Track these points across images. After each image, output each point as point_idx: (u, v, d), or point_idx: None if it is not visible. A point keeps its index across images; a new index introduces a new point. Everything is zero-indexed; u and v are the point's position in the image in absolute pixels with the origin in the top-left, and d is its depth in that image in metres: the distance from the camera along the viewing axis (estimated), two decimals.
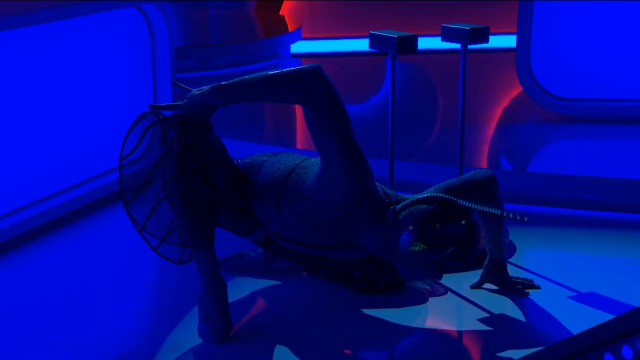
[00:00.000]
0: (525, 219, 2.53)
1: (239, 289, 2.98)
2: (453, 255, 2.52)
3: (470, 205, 2.52)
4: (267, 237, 2.90)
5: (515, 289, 2.95)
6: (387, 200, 2.65)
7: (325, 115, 2.54)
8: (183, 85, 2.78)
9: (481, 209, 2.51)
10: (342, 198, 2.57)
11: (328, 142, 2.55)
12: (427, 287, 2.98)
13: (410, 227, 2.54)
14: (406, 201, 2.63)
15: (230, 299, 2.68)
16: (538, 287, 2.98)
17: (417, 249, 2.52)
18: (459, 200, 2.53)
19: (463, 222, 2.52)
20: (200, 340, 2.66)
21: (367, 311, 2.85)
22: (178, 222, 2.67)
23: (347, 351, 2.64)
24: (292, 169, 2.72)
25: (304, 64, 2.65)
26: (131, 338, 2.78)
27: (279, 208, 2.71)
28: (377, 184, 2.70)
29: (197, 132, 2.57)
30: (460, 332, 2.78)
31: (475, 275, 3.04)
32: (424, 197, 2.58)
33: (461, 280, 3.03)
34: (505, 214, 2.56)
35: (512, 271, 3.16)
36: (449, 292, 2.96)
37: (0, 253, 3.31)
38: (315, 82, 2.54)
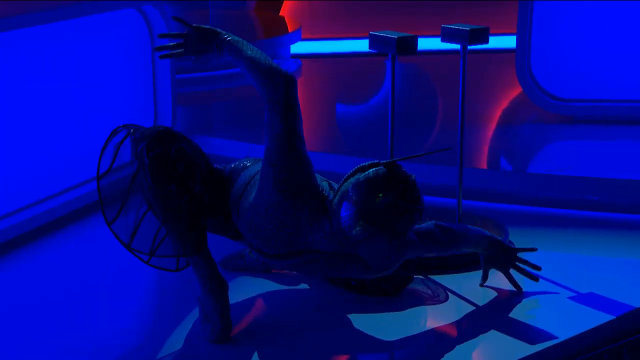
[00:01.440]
0: (450, 148, 2.65)
1: (240, 289, 2.98)
2: (396, 212, 2.41)
3: (391, 160, 2.50)
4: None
5: (520, 272, 2.96)
6: (329, 196, 2.57)
7: (275, 117, 2.56)
8: (184, 21, 2.75)
9: (402, 159, 2.51)
10: (273, 197, 2.52)
11: (269, 141, 2.55)
12: (429, 292, 2.98)
13: (344, 205, 2.45)
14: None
15: (231, 299, 2.68)
16: (537, 279, 2.97)
17: (359, 222, 2.42)
18: (376, 161, 2.49)
19: (381, 170, 2.45)
20: (200, 341, 2.66)
21: (366, 314, 2.84)
22: (165, 233, 2.67)
23: (345, 356, 2.64)
24: (252, 176, 2.70)
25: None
26: (131, 338, 2.78)
27: (239, 217, 2.68)
28: (327, 182, 2.65)
29: (165, 143, 2.58)
30: (459, 334, 2.77)
31: (476, 276, 3.04)
32: (347, 175, 2.53)
33: (461, 282, 3.03)
34: (426, 152, 2.62)
35: (511, 273, 3.15)
36: (449, 295, 2.95)
37: (1, 253, 3.31)
38: (280, 86, 2.58)
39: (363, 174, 2.46)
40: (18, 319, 2.85)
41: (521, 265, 2.97)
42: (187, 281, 2.82)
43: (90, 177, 3.81)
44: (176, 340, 2.68)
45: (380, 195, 2.42)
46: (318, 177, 2.64)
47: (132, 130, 2.66)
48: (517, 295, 2.95)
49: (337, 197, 2.50)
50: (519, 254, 2.98)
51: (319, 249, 2.59)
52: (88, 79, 3.84)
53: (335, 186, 2.62)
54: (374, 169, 2.46)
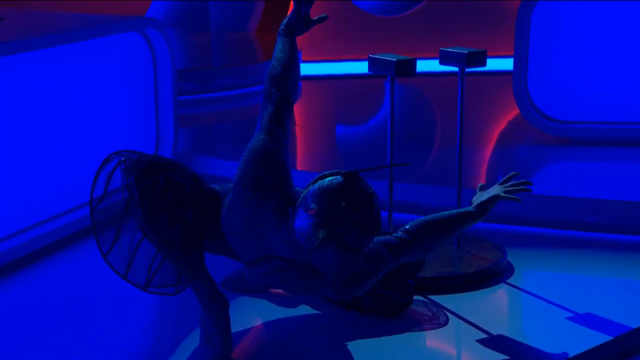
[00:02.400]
0: (411, 163, 2.63)
1: (240, 309, 2.97)
2: (346, 224, 2.34)
3: (349, 171, 2.43)
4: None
5: (510, 194, 2.73)
6: (293, 202, 2.53)
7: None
8: None
9: (358, 170, 2.44)
10: (241, 193, 2.53)
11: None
12: (429, 313, 2.96)
13: (299, 211, 2.41)
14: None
15: (232, 319, 2.67)
16: (530, 185, 2.78)
17: (311, 230, 2.36)
18: (338, 170, 2.43)
19: (336, 180, 2.39)
20: None
21: (365, 338, 2.83)
22: (161, 260, 2.66)
23: None
24: None
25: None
26: (133, 359, 2.77)
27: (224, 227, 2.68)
28: (298, 189, 2.61)
29: (153, 174, 2.58)
30: (459, 352, 2.77)
31: (478, 295, 3.03)
32: (310, 182, 2.47)
33: (461, 303, 3.02)
34: (384, 165, 2.66)
35: (510, 293, 3.16)
36: (448, 317, 2.94)
37: (4, 274, 3.30)
38: (266, 82, 2.77)
39: (318, 183, 2.42)
40: (20, 341, 2.84)
41: (511, 191, 2.74)
42: (188, 301, 2.82)
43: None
44: None
45: (332, 205, 2.36)
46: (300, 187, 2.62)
47: (123, 159, 2.64)
48: (516, 315, 2.95)
49: (297, 203, 2.47)
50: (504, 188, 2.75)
51: (282, 255, 2.52)
52: (92, 100, 3.85)
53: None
54: (330, 178, 2.41)
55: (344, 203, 2.36)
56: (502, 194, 2.71)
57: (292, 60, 2.84)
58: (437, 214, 2.68)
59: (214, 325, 2.63)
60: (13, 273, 3.34)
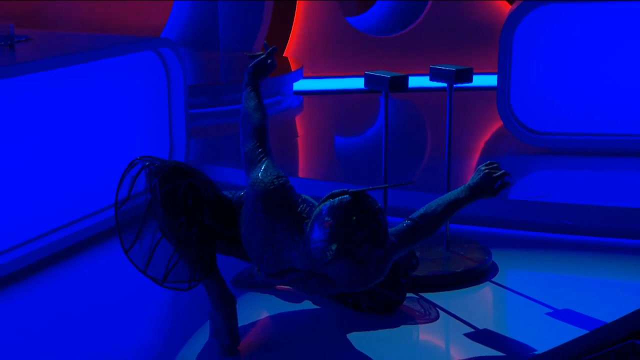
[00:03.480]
0: (412, 182, 2.77)
1: (248, 305, 2.97)
2: (355, 240, 2.35)
3: (354, 190, 2.43)
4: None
5: (498, 186, 2.76)
6: (305, 217, 2.54)
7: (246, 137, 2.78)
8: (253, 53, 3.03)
9: (365, 189, 2.44)
10: (253, 216, 2.55)
11: (243, 161, 2.75)
12: (422, 310, 2.96)
13: (314, 227, 2.41)
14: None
15: (239, 314, 2.67)
16: (508, 176, 2.80)
17: (325, 246, 2.36)
18: (346, 190, 2.43)
19: (345, 199, 2.39)
20: (210, 355, 2.64)
21: (362, 331, 2.83)
22: (177, 259, 2.66)
23: None
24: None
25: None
26: (146, 352, 2.76)
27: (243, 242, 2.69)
28: (306, 199, 2.61)
29: (176, 179, 2.59)
30: (447, 350, 2.76)
31: (465, 293, 3.03)
32: (321, 200, 2.48)
33: (450, 300, 3.02)
34: (390, 185, 2.64)
35: (495, 291, 3.15)
36: (439, 313, 2.94)
37: (28, 274, 3.30)
38: (242, 125, 2.83)
39: (329, 201, 2.42)
40: (42, 330, 2.84)
41: (499, 182, 2.77)
42: (198, 298, 2.82)
43: (110, 204, 3.82)
44: (187, 354, 2.67)
45: (342, 222, 2.37)
46: (301, 198, 2.61)
47: (147, 163, 2.66)
48: (500, 311, 2.94)
49: (310, 220, 2.48)
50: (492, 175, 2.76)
51: (299, 268, 2.54)
52: (112, 112, 3.85)
53: (314, 204, 2.59)
54: (340, 197, 2.41)
55: (353, 219, 2.37)
56: (493, 174, 2.74)
57: (260, 105, 2.89)
58: (438, 200, 2.71)
59: (222, 320, 2.63)
60: (42, 271, 3.34)
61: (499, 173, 2.75)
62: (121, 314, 2.99)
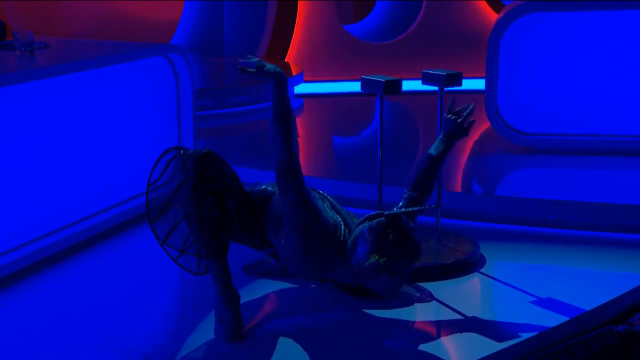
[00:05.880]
0: (439, 205, 2.90)
1: (258, 290, 2.97)
2: (397, 256, 2.55)
3: (393, 211, 2.65)
4: (275, 253, 2.90)
5: (463, 128, 2.95)
6: (347, 236, 2.70)
7: (287, 184, 2.66)
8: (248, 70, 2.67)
9: (400, 211, 2.65)
10: (300, 253, 2.67)
11: (287, 209, 2.69)
12: (417, 294, 2.98)
13: (359, 245, 2.60)
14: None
15: (248, 300, 2.66)
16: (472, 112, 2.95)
17: (370, 261, 2.56)
18: (382, 212, 2.63)
19: (382, 221, 2.58)
20: (216, 340, 2.65)
21: (365, 310, 2.84)
22: (194, 238, 2.68)
23: (344, 348, 2.63)
24: (280, 216, 2.75)
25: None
26: (157, 337, 2.77)
27: (277, 239, 2.75)
28: (346, 214, 2.78)
29: (208, 163, 2.62)
30: (439, 330, 2.77)
31: (455, 283, 3.04)
32: (359, 221, 2.67)
33: (440, 290, 3.03)
34: (424, 207, 2.77)
35: (483, 281, 3.16)
36: (433, 300, 2.95)
37: (43, 266, 3.30)
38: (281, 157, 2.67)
39: (367, 223, 2.60)
40: (56, 318, 2.85)
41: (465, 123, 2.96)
42: (205, 288, 2.82)
43: (120, 201, 3.82)
44: (196, 339, 2.68)
45: (381, 241, 2.56)
46: (332, 213, 2.74)
47: (181, 151, 2.72)
48: (488, 299, 2.95)
49: (351, 239, 2.65)
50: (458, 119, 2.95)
51: (342, 281, 2.75)
52: (124, 114, 3.86)
53: (349, 220, 2.77)
54: (377, 219, 2.60)
55: (390, 237, 2.56)
56: (458, 119, 2.94)
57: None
58: (422, 165, 2.92)
59: (225, 308, 2.64)
60: (41, 271, 3.32)
61: (464, 114, 2.95)
62: (135, 304, 3.00)
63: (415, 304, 2.90)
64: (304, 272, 2.77)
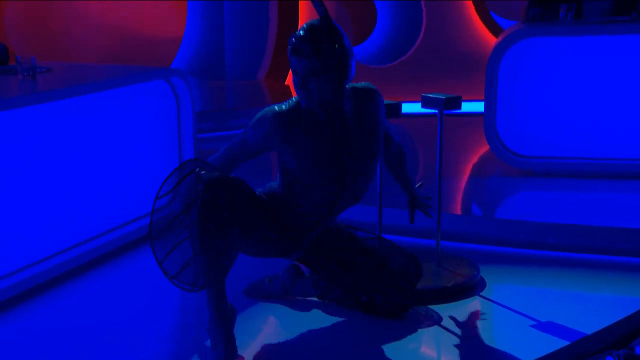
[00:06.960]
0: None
1: (258, 314, 2.96)
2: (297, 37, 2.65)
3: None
4: (302, 257, 2.89)
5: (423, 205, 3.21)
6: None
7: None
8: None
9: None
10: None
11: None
12: (424, 314, 2.96)
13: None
14: None
15: (249, 323, 2.63)
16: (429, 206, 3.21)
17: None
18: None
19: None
20: None
21: (367, 332, 2.83)
22: (192, 261, 2.66)
23: None
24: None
25: None
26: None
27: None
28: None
29: (220, 190, 2.56)
30: (439, 353, 2.76)
31: (455, 306, 3.03)
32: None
33: (441, 313, 3.02)
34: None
35: (483, 304, 3.15)
36: (441, 318, 2.94)
37: (45, 289, 3.30)
38: None
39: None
40: (61, 336, 2.83)
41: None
42: (203, 315, 2.79)
43: (124, 222, 3.82)
44: None
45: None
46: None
47: (198, 169, 2.66)
48: (488, 322, 2.94)
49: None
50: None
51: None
52: (126, 136, 3.86)
53: None
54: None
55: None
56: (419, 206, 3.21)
57: None
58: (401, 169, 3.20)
59: (218, 334, 2.60)
60: (49, 290, 3.33)
61: (422, 203, 3.21)
62: (136, 327, 2.97)
63: (417, 328, 2.88)
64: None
